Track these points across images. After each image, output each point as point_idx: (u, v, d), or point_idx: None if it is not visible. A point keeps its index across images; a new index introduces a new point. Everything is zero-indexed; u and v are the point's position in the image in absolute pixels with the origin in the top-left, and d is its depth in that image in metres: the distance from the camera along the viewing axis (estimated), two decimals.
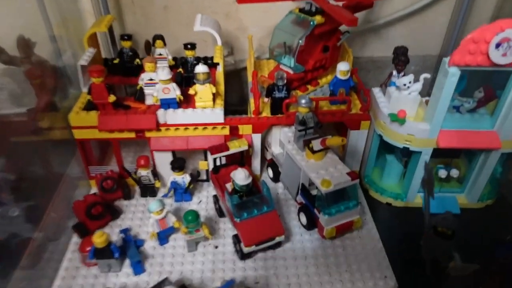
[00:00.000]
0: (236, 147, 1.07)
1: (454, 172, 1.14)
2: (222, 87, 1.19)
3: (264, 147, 1.26)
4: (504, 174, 1.17)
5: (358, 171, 1.26)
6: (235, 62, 1.53)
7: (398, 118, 1.03)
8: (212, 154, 1.06)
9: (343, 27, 1.22)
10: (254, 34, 1.42)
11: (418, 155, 1.08)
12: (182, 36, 1.27)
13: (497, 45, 0.87)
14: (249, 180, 0.98)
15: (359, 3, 1.22)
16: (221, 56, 1.18)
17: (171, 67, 1.26)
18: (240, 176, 0.98)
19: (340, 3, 1.20)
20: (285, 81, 1.10)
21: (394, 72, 1.10)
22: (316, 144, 1.03)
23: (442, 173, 1.14)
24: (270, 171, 1.25)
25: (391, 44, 1.56)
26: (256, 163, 1.22)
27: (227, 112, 1.14)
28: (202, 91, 1.09)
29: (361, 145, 1.20)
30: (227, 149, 1.07)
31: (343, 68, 1.11)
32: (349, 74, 1.13)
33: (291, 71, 1.16)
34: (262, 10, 1.41)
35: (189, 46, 1.20)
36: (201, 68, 1.07)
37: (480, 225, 1.13)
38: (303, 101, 1.05)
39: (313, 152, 1.04)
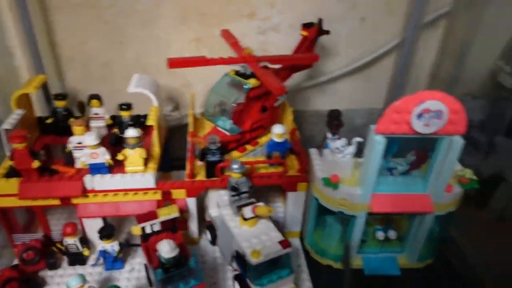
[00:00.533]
0: (165, 214, 1.03)
1: (392, 234, 1.12)
2: (157, 150, 1.15)
3: (203, 207, 1.22)
4: (442, 233, 1.16)
5: (300, 232, 1.23)
6: (181, 117, 1.51)
7: (330, 183, 1.02)
8: (139, 222, 1.01)
9: None
10: (199, 91, 1.42)
11: (355, 217, 1.07)
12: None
13: (419, 116, 0.88)
14: (175, 252, 0.93)
15: (297, 65, 1.24)
16: (156, 117, 1.15)
17: (110, 126, 1.23)
18: (164, 249, 0.93)
19: (277, 66, 1.22)
20: (219, 144, 1.08)
21: (329, 135, 1.10)
22: (247, 212, 1.00)
23: (380, 235, 1.12)
24: (208, 234, 1.20)
25: (338, 98, 1.61)
26: (193, 226, 1.18)
27: (171, 167, 1.10)
28: (132, 156, 1.05)
29: (300, 206, 1.17)
30: (156, 217, 1.02)
31: (278, 131, 1.10)
32: (285, 136, 1.12)
33: (227, 133, 1.15)
34: (206, 68, 1.41)
35: (124, 106, 1.17)
36: (130, 133, 1.04)
37: (420, 285, 1.11)
38: (235, 166, 1.02)
39: (244, 219, 1.00)
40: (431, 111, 0.87)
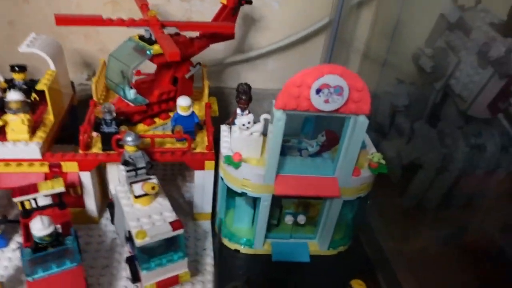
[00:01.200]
0: (48, 188, 0.93)
1: (301, 219, 1.06)
2: (50, 118, 1.04)
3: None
4: (356, 219, 1.11)
5: (211, 214, 1.15)
6: None
7: (232, 161, 0.94)
8: (13, 196, 0.90)
9: (195, 59, 1.14)
10: None
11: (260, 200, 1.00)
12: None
13: (318, 91, 0.81)
14: (49, 230, 0.83)
15: (217, 33, 1.15)
16: (50, 81, 1.03)
17: (4, 90, 1.11)
18: (35, 226, 0.83)
19: (195, 33, 1.13)
20: (114, 114, 0.98)
21: (238, 110, 1.02)
22: (137, 189, 0.91)
23: (288, 219, 1.06)
24: (109, 213, 1.11)
25: (269, 75, 1.53)
26: (91, 204, 1.08)
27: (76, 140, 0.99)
28: (14, 122, 0.94)
29: (209, 186, 1.09)
30: (36, 190, 0.92)
31: (183, 103, 1.01)
32: (191, 110, 1.03)
33: (131, 103, 1.05)
34: (123, 31, 1.30)
35: (16, 68, 1.05)
36: (12, 96, 0.92)
37: (329, 274, 1.07)
38: (128, 138, 0.93)
39: (135, 197, 0.92)
40: (330, 87, 0.80)
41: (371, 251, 1.14)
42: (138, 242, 0.85)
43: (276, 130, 0.86)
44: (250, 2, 1.16)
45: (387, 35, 1.27)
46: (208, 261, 1.05)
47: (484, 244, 0.99)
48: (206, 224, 1.15)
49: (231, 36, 1.19)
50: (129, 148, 0.94)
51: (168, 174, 1.32)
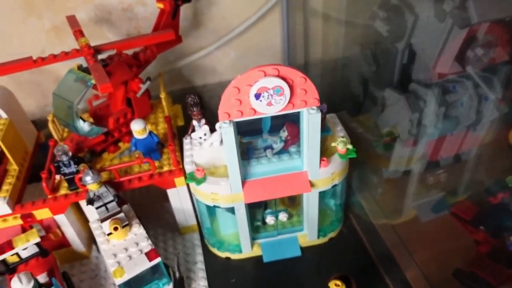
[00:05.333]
0: (23, 242, 0.92)
1: (283, 216, 1.04)
2: (14, 167, 1.03)
3: None
4: (341, 203, 1.08)
5: (196, 225, 1.14)
6: None
7: (195, 178, 0.91)
8: None
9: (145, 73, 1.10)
10: None
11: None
12: None
13: (257, 96, 0.76)
14: (30, 286, 0.85)
15: (162, 42, 1.09)
16: (3, 132, 1.02)
17: None
18: (16, 286, 0.84)
19: (139, 48, 1.08)
20: (70, 154, 0.96)
21: (194, 122, 0.98)
22: (106, 227, 0.90)
23: (270, 220, 1.04)
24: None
25: (235, 64, 1.47)
26: (75, 242, 1.08)
27: None
28: None
29: (186, 201, 1.08)
30: (11, 247, 0.92)
31: (136, 127, 0.98)
32: (147, 130, 1.00)
33: (89, 136, 1.03)
34: None
35: None
36: None
37: (322, 263, 1.05)
38: (87, 178, 0.91)
39: (107, 234, 0.91)
40: (269, 89, 0.75)
41: (362, 230, 1.12)
42: (117, 280, 0.85)
43: (227, 142, 0.83)
44: (189, 1, 1.09)
45: None
46: (201, 275, 1.05)
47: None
48: (195, 236, 1.15)
49: (177, 41, 1.13)
50: (92, 186, 0.93)
51: (144, 192, 1.30)
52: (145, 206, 1.25)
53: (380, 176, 1.17)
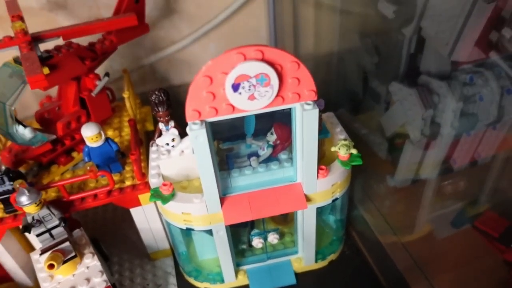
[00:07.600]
0: None
1: (273, 238, 0.85)
2: None
3: None
4: (342, 218, 0.91)
5: (169, 250, 0.95)
6: None
7: (161, 195, 0.73)
8: None
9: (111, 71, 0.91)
10: None
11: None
12: None
13: (235, 87, 0.58)
14: None
15: (121, 30, 0.91)
16: None
17: None
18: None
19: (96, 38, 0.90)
20: (3, 168, 0.76)
21: (161, 125, 0.79)
22: (43, 261, 0.71)
23: (257, 243, 0.85)
24: None
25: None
26: (18, 274, 0.88)
27: None
28: None
29: (156, 221, 0.89)
30: None
31: (88, 133, 0.79)
32: (103, 137, 0.81)
33: (32, 145, 0.83)
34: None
35: None
36: None
37: None
38: (22, 199, 0.71)
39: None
40: (250, 77, 0.57)
41: (368, 251, 0.94)
42: None
43: (198, 148, 0.64)
44: None
45: None
46: None
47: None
48: (168, 262, 0.96)
49: (142, 29, 0.95)
50: (30, 208, 0.73)
51: (110, 209, 1.11)
52: (110, 226, 1.07)
53: (386, 185, 1.00)
